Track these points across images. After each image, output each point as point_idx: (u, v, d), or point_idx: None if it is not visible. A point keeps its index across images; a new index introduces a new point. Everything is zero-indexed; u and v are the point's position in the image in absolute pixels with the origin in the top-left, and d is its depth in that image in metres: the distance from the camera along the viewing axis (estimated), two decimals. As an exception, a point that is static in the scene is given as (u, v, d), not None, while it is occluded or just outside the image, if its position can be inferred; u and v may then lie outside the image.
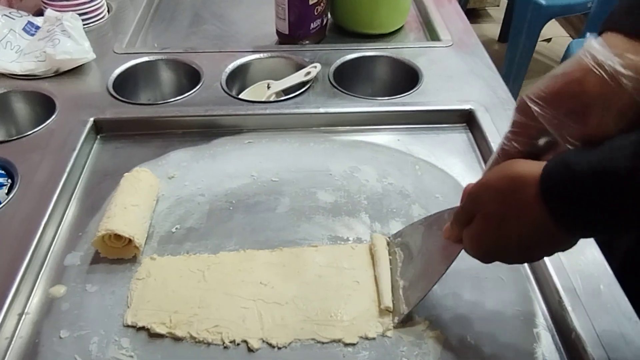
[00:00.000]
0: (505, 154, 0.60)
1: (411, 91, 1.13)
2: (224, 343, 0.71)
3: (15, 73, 1.16)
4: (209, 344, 0.71)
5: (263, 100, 1.12)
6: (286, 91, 1.15)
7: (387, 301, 0.74)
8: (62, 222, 0.89)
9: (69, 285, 0.79)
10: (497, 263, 0.62)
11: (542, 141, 0.60)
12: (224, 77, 1.16)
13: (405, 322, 0.73)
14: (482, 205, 0.59)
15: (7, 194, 0.91)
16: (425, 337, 0.72)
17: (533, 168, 0.54)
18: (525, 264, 0.82)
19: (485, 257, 0.62)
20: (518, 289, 0.79)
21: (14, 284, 0.75)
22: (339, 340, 0.72)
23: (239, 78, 1.22)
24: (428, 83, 1.16)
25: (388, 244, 0.82)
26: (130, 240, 0.80)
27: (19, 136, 1.02)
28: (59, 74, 1.17)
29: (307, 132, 1.07)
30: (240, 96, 1.13)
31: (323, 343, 0.72)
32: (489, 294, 0.78)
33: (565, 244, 0.57)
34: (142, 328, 0.73)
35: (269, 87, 1.17)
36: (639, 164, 0.46)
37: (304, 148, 1.02)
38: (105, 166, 1.00)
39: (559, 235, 0.54)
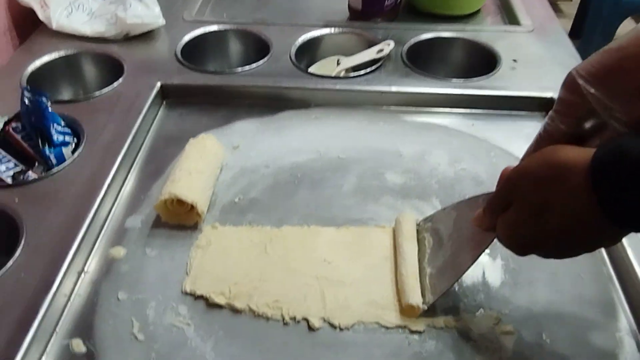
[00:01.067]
0: (548, 135, 0.56)
1: (488, 75, 1.07)
2: (283, 319, 0.68)
3: (85, 35, 1.15)
4: (268, 318, 0.68)
5: (333, 75, 1.08)
6: (356, 69, 1.11)
7: (412, 298, 0.68)
8: (125, 185, 0.87)
9: (129, 247, 0.77)
10: (576, 259, 0.56)
11: (589, 124, 0.54)
12: (293, 50, 1.13)
13: (427, 312, 0.68)
14: (520, 193, 0.54)
15: (73, 152, 0.91)
16: (497, 331, 0.67)
17: (580, 155, 0.48)
18: (609, 263, 0.75)
19: (521, 248, 0.57)
20: (599, 288, 0.73)
21: (75, 242, 0.74)
22: (405, 327, 0.68)
23: (308, 52, 1.18)
24: (506, 68, 1.09)
25: (417, 229, 0.77)
26: (192, 207, 0.78)
27: (86, 97, 1.01)
28: (128, 38, 1.16)
29: (376, 110, 1.02)
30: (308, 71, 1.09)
31: (387, 328, 0.68)
32: (567, 292, 0.72)
33: (611, 239, 0.51)
34: (201, 297, 0.71)
35: (338, 63, 1.13)
36: None
37: (373, 127, 0.98)
38: (169, 132, 0.98)
39: (605, 229, 0.48)
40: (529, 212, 0.53)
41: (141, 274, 0.74)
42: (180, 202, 0.78)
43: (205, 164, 0.84)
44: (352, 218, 0.81)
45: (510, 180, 0.55)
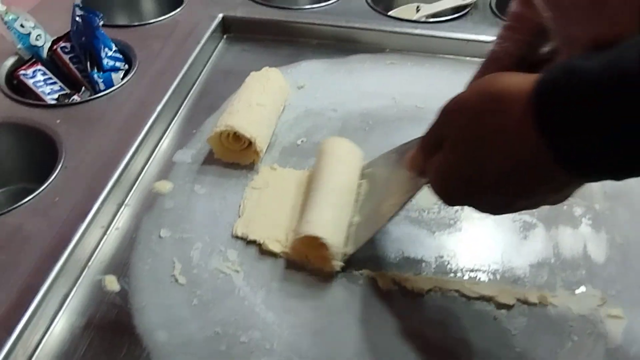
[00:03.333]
0: (495, 59, 0.47)
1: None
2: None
3: (146, -38, 1.07)
4: (330, 273, 0.59)
5: (413, 19, 0.97)
6: (437, 17, 0.99)
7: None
8: (177, 116, 0.79)
9: (176, 182, 0.69)
10: None
11: (543, 47, 0.45)
12: (369, -9, 1.02)
13: (348, 266, 0.59)
14: (452, 128, 0.43)
15: (122, 79, 0.82)
16: (602, 315, 0.56)
17: (524, 81, 0.37)
18: None
19: (452, 197, 0.46)
20: None
21: (117, 170, 0.66)
22: (491, 299, 0.57)
23: (384, -3, 1.07)
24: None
25: (362, 173, 0.66)
26: (250, 144, 0.68)
27: (142, 23, 0.93)
28: (191, -32, 1.07)
29: (459, 61, 0.91)
30: (385, 15, 0.98)
31: (470, 298, 0.57)
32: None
33: (558, 188, 0.40)
34: (253, 242, 0.61)
35: (418, 10, 1.02)
36: None
37: (456, 77, 0.84)
38: (229, 66, 0.89)
39: (551, 174, 0.37)
40: (462, 151, 0.42)
41: (187, 211, 0.65)
42: (237, 137, 0.69)
43: (268, 97, 0.74)
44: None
45: (444, 113, 0.44)
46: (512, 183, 0.40)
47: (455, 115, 0.43)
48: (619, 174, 0.36)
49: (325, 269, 0.58)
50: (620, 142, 0.33)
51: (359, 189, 0.64)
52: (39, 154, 0.72)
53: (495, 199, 0.43)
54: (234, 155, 0.70)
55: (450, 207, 0.65)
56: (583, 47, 0.38)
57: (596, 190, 0.69)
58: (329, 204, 0.60)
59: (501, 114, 0.38)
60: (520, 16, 0.45)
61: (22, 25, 0.81)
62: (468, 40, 0.90)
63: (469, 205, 0.46)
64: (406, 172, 0.52)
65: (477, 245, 0.62)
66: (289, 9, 0.97)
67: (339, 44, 0.93)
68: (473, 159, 0.41)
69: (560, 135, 0.35)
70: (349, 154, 0.67)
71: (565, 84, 0.35)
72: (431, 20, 0.98)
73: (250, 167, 0.70)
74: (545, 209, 0.65)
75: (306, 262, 0.59)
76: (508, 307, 0.56)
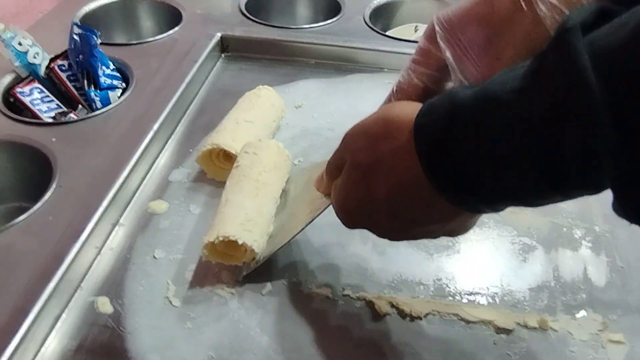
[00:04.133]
0: (400, 90, 0.49)
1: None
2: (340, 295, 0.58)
3: (145, -19, 1.07)
4: (326, 296, 0.58)
5: (411, 39, 0.97)
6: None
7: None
8: (173, 135, 0.78)
9: (171, 202, 0.68)
10: None
11: (448, 84, 0.47)
12: (367, 12, 1.02)
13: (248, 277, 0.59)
14: (350, 152, 0.45)
15: (120, 97, 0.82)
16: (603, 340, 0.55)
17: (416, 108, 0.39)
18: None
19: (350, 219, 0.47)
20: None
21: (112, 189, 0.65)
22: (490, 323, 0.56)
23: (383, 17, 1.07)
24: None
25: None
26: (241, 162, 0.67)
27: (139, 41, 0.93)
28: (189, -13, 1.08)
29: (457, 81, 0.90)
30: (383, 35, 0.99)
31: (469, 322, 0.56)
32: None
33: (448, 217, 0.41)
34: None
35: (416, 30, 1.02)
36: (526, 85, 0.32)
37: None
38: (226, 85, 0.89)
39: (433, 197, 0.39)
40: (356, 174, 0.44)
41: (182, 231, 0.64)
42: (227, 156, 0.68)
43: (257, 114, 0.74)
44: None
45: (345, 138, 0.46)
46: (401, 207, 0.42)
47: (354, 139, 0.45)
48: (494, 204, 0.38)
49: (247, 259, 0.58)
50: (490, 163, 0.34)
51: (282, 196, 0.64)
52: (34, 172, 0.71)
53: (390, 224, 0.44)
54: (227, 174, 0.69)
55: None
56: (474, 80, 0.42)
57: (596, 212, 0.68)
58: (242, 206, 0.59)
59: (392, 140, 0.40)
60: (427, 52, 0.46)
61: (19, 43, 0.81)
62: (466, 61, 0.90)
63: (367, 228, 0.47)
64: (316, 191, 0.54)
65: (476, 268, 0.62)
66: (287, 28, 0.98)
67: (337, 64, 0.93)
68: (365, 182, 0.43)
69: (433, 157, 0.37)
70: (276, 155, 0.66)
71: (440, 108, 0.37)
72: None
73: (246, 187, 0.69)
74: (545, 230, 0.66)
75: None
76: (507, 331, 0.55)
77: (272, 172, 0.64)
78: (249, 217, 0.58)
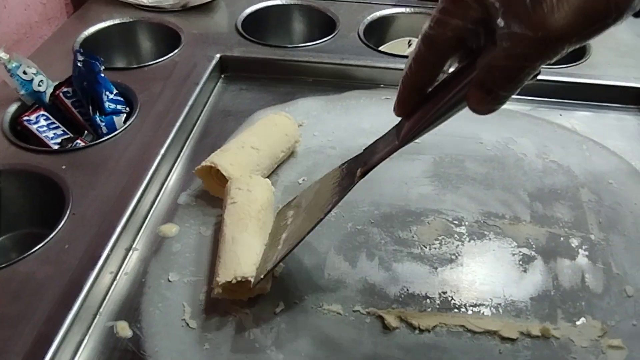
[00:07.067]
0: (430, 43, 0.42)
1: (578, 62, 0.97)
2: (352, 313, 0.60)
3: (142, 4, 1.10)
4: (337, 313, 0.60)
5: (405, 54, 0.99)
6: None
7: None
8: (179, 158, 0.80)
9: (181, 225, 0.70)
10: None
11: (481, 34, 0.41)
12: (361, 27, 1.05)
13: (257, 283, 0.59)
14: None
15: (125, 122, 0.84)
16: (603, 345, 0.58)
17: None
18: None
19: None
20: None
21: (124, 215, 0.67)
22: (495, 333, 0.58)
23: (376, 32, 1.10)
24: (596, 56, 0.99)
25: (278, 212, 0.68)
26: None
27: (141, 65, 0.95)
28: (186, 9, 1.10)
29: (453, 95, 0.93)
30: (377, 50, 1.01)
31: (475, 333, 0.59)
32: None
33: None
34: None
35: (409, 45, 1.04)
36: None
37: None
38: (228, 106, 0.91)
39: None
40: None
41: (195, 254, 0.66)
42: (223, 176, 0.70)
43: (267, 142, 0.75)
44: (430, 208, 0.72)
45: None
46: None
47: None
48: None
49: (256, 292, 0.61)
50: None
51: (284, 217, 0.65)
52: (46, 200, 0.73)
53: None
54: (221, 191, 0.71)
55: (451, 242, 0.67)
56: (525, 39, 0.36)
57: (591, 221, 0.71)
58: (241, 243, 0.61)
59: None
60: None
61: (24, 72, 0.83)
62: (460, 74, 0.93)
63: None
64: (329, 192, 0.56)
65: (478, 280, 0.64)
66: (284, 47, 1.00)
67: (334, 81, 0.95)
68: None
69: None
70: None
71: None
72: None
73: (254, 207, 0.72)
74: (543, 240, 0.68)
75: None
76: (512, 340, 0.58)
77: (267, 209, 0.66)
78: (258, 257, 0.60)
